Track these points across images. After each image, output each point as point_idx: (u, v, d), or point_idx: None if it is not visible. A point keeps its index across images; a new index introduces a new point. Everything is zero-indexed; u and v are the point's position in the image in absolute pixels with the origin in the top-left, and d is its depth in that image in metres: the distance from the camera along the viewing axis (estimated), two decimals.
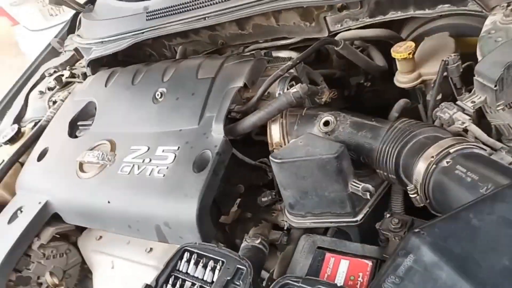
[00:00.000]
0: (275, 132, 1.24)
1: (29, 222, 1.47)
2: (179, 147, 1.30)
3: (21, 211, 1.55)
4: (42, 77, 2.26)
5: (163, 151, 1.32)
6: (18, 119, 2.09)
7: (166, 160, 1.28)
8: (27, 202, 1.56)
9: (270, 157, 1.07)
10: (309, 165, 1.02)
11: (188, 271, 0.97)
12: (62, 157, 1.61)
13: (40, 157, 1.68)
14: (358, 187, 1.01)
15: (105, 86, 1.71)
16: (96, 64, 1.95)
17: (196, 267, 0.97)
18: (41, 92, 2.12)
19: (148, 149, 1.36)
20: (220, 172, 1.19)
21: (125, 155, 1.40)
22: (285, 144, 1.23)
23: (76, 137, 1.68)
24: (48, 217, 1.51)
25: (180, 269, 0.98)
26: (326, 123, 1.16)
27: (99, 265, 1.54)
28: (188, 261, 0.98)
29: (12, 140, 1.87)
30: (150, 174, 1.28)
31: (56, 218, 1.53)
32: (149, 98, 1.51)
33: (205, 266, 0.96)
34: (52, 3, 1.98)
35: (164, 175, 1.25)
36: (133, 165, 1.34)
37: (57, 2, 1.95)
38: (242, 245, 1.27)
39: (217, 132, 1.24)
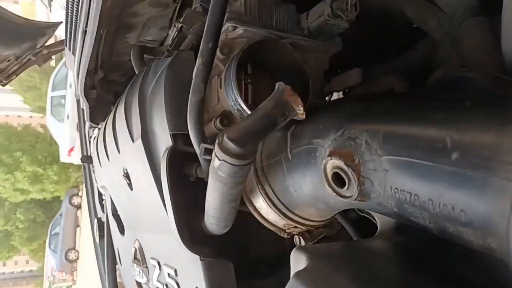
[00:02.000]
0: (267, 212, 0.58)
1: None
2: (176, 271, 0.80)
3: None
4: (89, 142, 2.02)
5: (168, 275, 0.86)
6: (101, 200, 1.94)
7: None
8: None
9: None
10: None
11: None
12: (129, 263, 1.36)
13: (121, 261, 1.48)
14: None
15: (101, 166, 1.29)
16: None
17: None
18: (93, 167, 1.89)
19: (160, 270, 0.92)
20: None
21: (151, 272, 1.02)
22: (295, 225, 0.56)
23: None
24: None
25: None
26: (340, 180, 0.44)
27: None
28: None
29: (101, 238, 1.73)
30: None
31: None
32: (124, 181, 1.02)
33: None
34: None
35: None
36: None
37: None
38: None
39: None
